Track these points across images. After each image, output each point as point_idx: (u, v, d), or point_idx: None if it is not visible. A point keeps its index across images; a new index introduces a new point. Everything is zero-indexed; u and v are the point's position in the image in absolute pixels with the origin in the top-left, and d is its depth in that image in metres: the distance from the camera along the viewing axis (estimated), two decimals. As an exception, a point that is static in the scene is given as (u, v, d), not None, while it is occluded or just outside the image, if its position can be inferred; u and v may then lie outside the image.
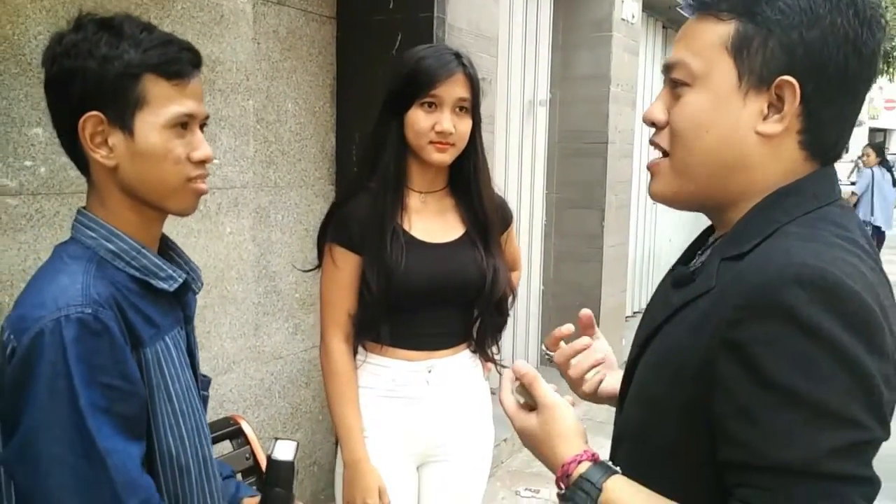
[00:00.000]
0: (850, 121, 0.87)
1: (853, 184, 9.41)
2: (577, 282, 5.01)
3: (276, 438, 1.22)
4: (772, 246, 0.80)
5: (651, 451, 0.89)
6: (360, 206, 1.68)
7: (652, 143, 0.94)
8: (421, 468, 1.81)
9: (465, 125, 1.65)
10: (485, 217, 1.75)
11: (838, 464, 0.73)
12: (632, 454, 0.94)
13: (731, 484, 0.79)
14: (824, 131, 0.85)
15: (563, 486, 0.89)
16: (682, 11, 0.92)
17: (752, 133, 0.84)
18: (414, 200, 1.71)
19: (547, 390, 0.94)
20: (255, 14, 2.78)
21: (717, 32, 0.85)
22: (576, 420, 0.94)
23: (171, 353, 1.09)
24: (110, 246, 1.04)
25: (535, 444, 0.95)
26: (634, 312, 6.92)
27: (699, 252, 0.98)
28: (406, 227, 1.68)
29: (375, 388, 1.73)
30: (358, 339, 1.73)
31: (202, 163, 1.07)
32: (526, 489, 3.53)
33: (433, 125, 1.61)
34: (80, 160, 1.06)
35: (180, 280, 1.10)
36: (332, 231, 1.71)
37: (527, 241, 4.74)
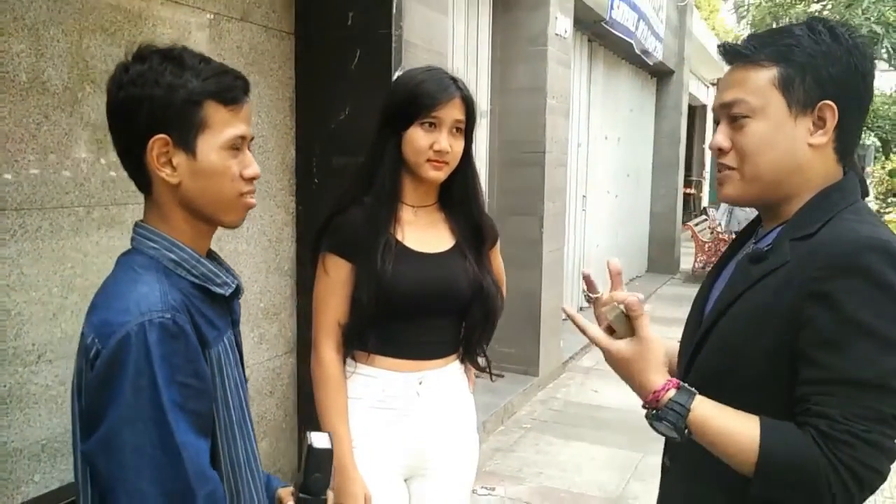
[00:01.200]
0: (861, 131, 1.20)
1: None
2: (518, 287, 5.18)
3: (309, 431, 1.30)
4: (837, 227, 1.08)
5: (727, 393, 1.10)
6: (354, 217, 1.74)
7: (721, 163, 1.20)
8: (409, 481, 1.82)
9: (460, 145, 1.74)
10: (478, 230, 1.83)
11: None
12: (707, 395, 1.12)
13: (808, 394, 1.04)
14: (848, 140, 1.16)
15: (653, 408, 1.11)
16: (724, 60, 1.19)
17: (805, 145, 1.14)
18: (407, 213, 1.77)
19: (648, 324, 1.15)
20: (220, 30, 2.83)
21: (765, 76, 1.13)
22: (663, 351, 1.15)
23: (228, 353, 1.19)
24: (172, 256, 1.13)
25: (628, 367, 1.15)
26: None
27: (752, 241, 1.25)
28: (399, 237, 1.74)
29: (365, 399, 1.75)
30: (348, 347, 1.75)
31: (252, 179, 1.17)
32: (482, 487, 3.66)
33: (431, 144, 1.68)
34: (142, 178, 1.14)
35: (234, 285, 1.20)
36: (327, 240, 1.75)
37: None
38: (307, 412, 3.31)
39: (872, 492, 1.04)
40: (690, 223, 11.04)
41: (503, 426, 4.53)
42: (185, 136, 1.09)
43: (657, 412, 1.11)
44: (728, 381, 1.14)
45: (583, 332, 1.17)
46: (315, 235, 1.81)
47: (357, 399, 1.76)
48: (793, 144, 1.13)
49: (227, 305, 1.21)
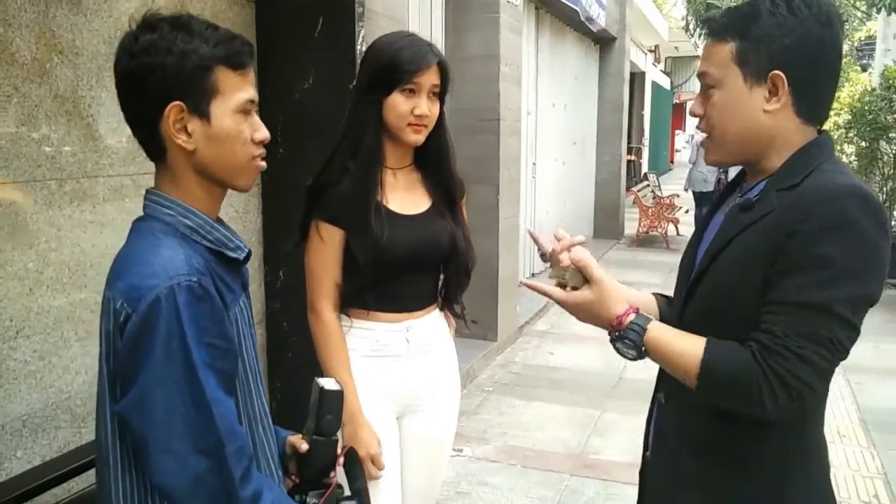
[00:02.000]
0: (828, 94, 1.28)
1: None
2: (476, 253, 5.28)
3: (316, 378, 1.36)
4: (818, 177, 1.20)
5: (721, 330, 1.22)
6: (342, 185, 1.81)
7: (698, 127, 1.34)
8: (400, 419, 1.98)
9: (436, 108, 1.84)
10: (451, 189, 1.95)
11: (843, 308, 1.13)
12: (697, 333, 1.25)
13: (764, 312, 1.17)
14: (811, 103, 1.26)
15: (616, 332, 1.25)
16: (703, 38, 1.31)
17: (761, 112, 1.25)
18: (388, 176, 1.87)
19: (598, 267, 1.28)
20: (182, -2, 2.79)
21: (725, 50, 1.26)
22: (619, 288, 1.30)
23: (243, 314, 1.23)
24: (187, 222, 1.15)
25: (590, 309, 1.27)
26: (525, 278, 7.36)
27: (738, 193, 1.36)
28: (384, 202, 1.84)
29: (360, 349, 1.87)
30: (345, 307, 1.87)
31: (262, 143, 1.20)
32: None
33: (412, 109, 1.76)
34: (155, 146, 1.15)
35: (246, 250, 1.22)
36: (318, 209, 1.83)
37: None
38: (276, 383, 3.35)
39: (802, 401, 1.16)
40: (633, 189, 11.31)
41: (465, 390, 4.65)
42: (199, 102, 1.11)
43: (619, 333, 1.25)
44: (722, 318, 1.25)
45: (547, 296, 1.30)
46: (305, 204, 1.86)
47: (353, 350, 1.87)
48: (750, 112, 1.25)
49: (238, 269, 1.24)
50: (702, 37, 1.32)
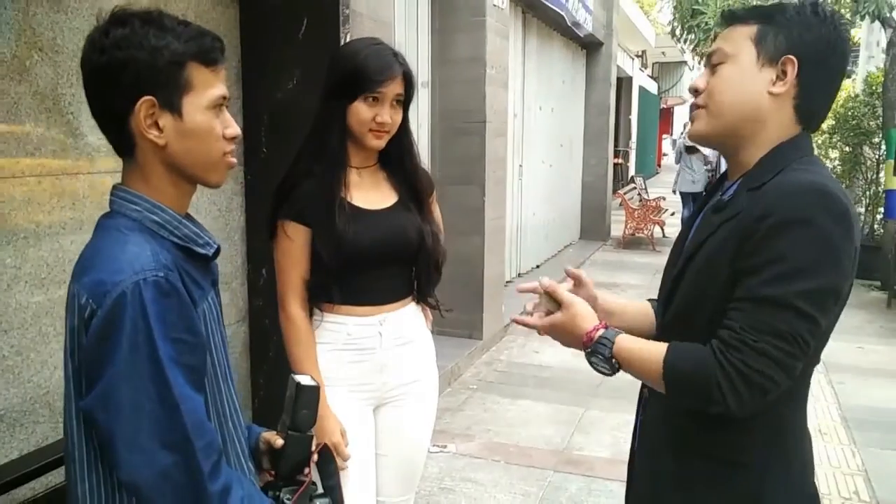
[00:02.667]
0: (827, 99, 1.30)
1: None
2: (461, 254, 5.31)
3: (292, 374, 1.35)
4: (784, 176, 1.22)
5: (695, 331, 1.25)
6: (307, 185, 1.86)
7: (694, 103, 1.35)
8: (376, 410, 2.01)
9: (399, 115, 1.89)
10: (415, 185, 1.99)
11: (799, 301, 1.15)
12: (677, 336, 1.28)
13: (728, 309, 1.19)
14: (810, 102, 1.27)
15: (588, 347, 1.30)
16: (725, 24, 1.35)
17: (765, 93, 1.26)
18: (353, 176, 1.92)
19: (566, 292, 1.36)
20: (165, -3, 2.80)
21: (746, 31, 1.29)
22: (589, 307, 1.35)
23: (212, 310, 1.22)
24: (155, 217, 1.14)
25: (563, 329, 1.34)
26: (511, 278, 7.39)
27: (720, 193, 1.38)
28: (349, 198, 1.88)
29: (333, 343, 1.90)
30: (313, 301, 1.91)
31: (233, 139, 1.20)
32: (434, 445, 3.79)
33: (374, 116, 1.82)
34: (124, 141, 1.14)
35: (215, 246, 1.22)
36: (285, 209, 1.88)
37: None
38: (259, 380, 3.35)
39: (764, 395, 1.17)
40: (620, 192, 11.37)
41: (450, 388, 4.67)
42: (171, 97, 1.11)
43: (591, 349, 1.30)
44: (694, 320, 1.28)
45: (527, 326, 1.39)
46: (272, 204, 1.91)
47: (325, 344, 1.91)
48: (755, 89, 1.26)
49: (207, 266, 1.24)
50: (692, 42, 1.32)
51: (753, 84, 1.26)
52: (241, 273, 3.34)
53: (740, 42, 1.28)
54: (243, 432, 1.31)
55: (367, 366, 1.93)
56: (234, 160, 1.22)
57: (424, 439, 2.12)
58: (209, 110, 1.15)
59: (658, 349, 1.25)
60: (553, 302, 1.36)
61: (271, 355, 3.29)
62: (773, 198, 1.18)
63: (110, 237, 1.12)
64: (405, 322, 1.99)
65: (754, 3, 6.89)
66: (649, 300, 1.58)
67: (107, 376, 1.04)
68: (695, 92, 1.34)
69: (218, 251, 1.24)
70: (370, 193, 1.92)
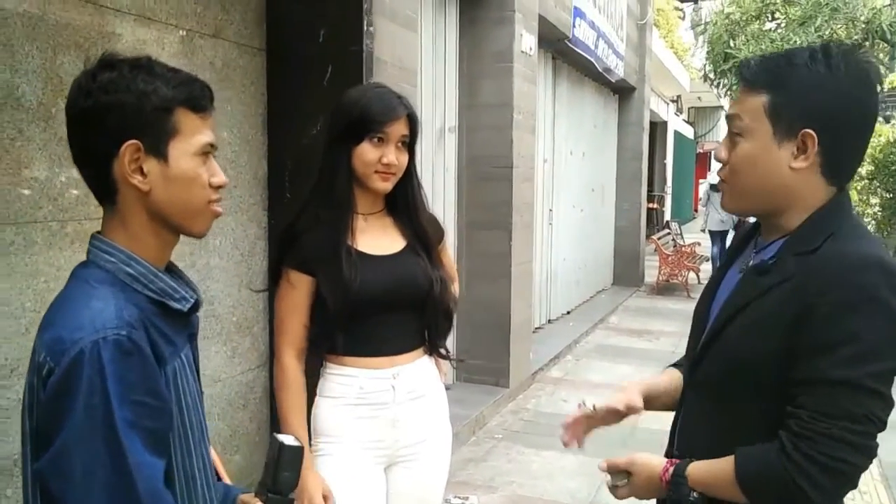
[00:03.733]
0: (857, 154, 1.27)
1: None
2: (488, 299, 5.27)
3: (274, 433, 1.31)
4: (838, 244, 1.17)
5: (732, 397, 1.24)
6: (312, 231, 1.84)
7: (720, 174, 1.32)
8: (388, 469, 1.93)
9: (404, 158, 1.87)
10: (423, 231, 1.96)
11: (873, 383, 1.11)
12: (711, 396, 1.28)
13: (793, 394, 1.15)
14: (838, 163, 1.23)
15: (670, 489, 1.27)
16: (737, 86, 1.30)
17: (787, 168, 1.22)
18: (359, 222, 1.89)
19: (621, 459, 1.37)
20: (193, 47, 2.87)
21: (758, 101, 1.23)
22: (645, 456, 1.36)
23: (185, 368, 1.16)
24: (129, 270, 1.10)
25: (644, 488, 1.33)
26: (542, 324, 7.30)
27: (752, 249, 1.35)
28: (355, 244, 1.86)
29: (344, 398, 1.84)
30: (315, 351, 1.87)
31: (219, 188, 1.16)
32: (455, 497, 3.70)
33: (380, 158, 1.81)
34: (105, 187, 1.11)
35: (192, 300, 1.16)
36: (289, 256, 1.85)
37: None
38: (277, 429, 3.31)
39: (847, 480, 1.13)
40: (654, 237, 11.25)
41: (475, 437, 4.57)
42: (157, 142, 1.09)
43: (674, 496, 1.27)
44: (733, 382, 1.24)
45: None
46: (277, 250, 1.90)
47: (336, 398, 1.86)
48: (775, 167, 1.22)
49: (185, 319, 1.20)
50: (725, 86, 1.28)
51: (774, 162, 1.22)
52: (263, 318, 3.33)
53: (755, 116, 1.23)
54: (214, 494, 1.25)
55: (379, 421, 1.86)
56: (220, 209, 1.19)
57: (437, 500, 2.04)
58: (196, 157, 1.12)
59: (726, 467, 1.20)
60: (620, 474, 1.39)
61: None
62: (836, 272, 1.14)
63: (78, 290, 1.08)
64: (419, 375, 1.93)
65: (787, 46, 6.85)
66: (673, 366, 1.56)
67: (60, 439, 0.98)
68: (719, 161, 1.31)
69: (197, 305, 1.19)
70: (378, 239, 1.90)
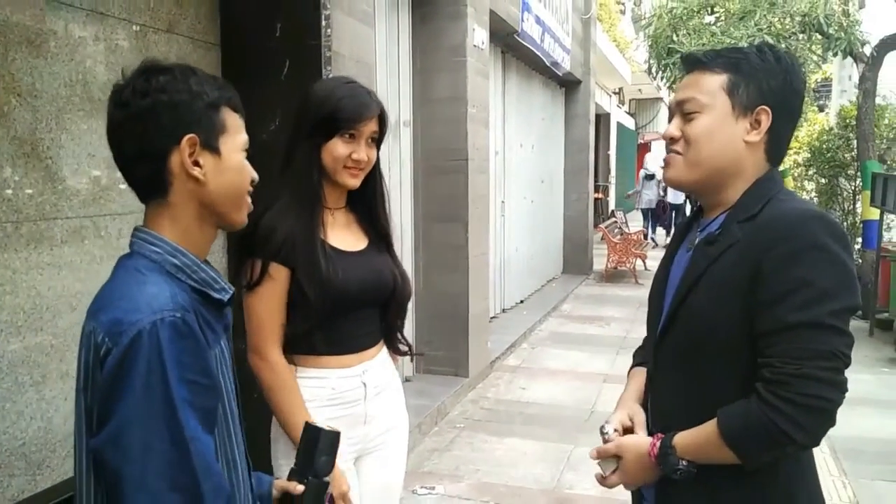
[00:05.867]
0: (790, 137, 1.39)
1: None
2: (445, 291, 5.31)
3: (307, 422, 1.36)
4: (776, 206, 1.28)
5: (703, 360, 1.31)
6: (285, 224, 1.80)
7: (670, 149, 1.40)
8: (357, 461, 1.95)
9: (374, 154, 1.88)
10: (385, 229, 1.98)
11: (832, 320, 1.19)
12: (680, 370, 1.34)
13: (760, 347, 1.22)
14: (778, 145, 1.37)
15: (659, 463, 1.32)
16: (684, 68, 1.40)
17: (741, 142, 1.34)
18: (327, 216, 1.89)
19: (610, 445, 1.42)
20: (147, 42, 2.81)
21: (717, 80, 1.34)
22: (633, 437, 1.41)
23: (224, 355, 1.22)
24: (174, 261, 1.16)
25: (635, 471, 1.38)
26: (496, 314, 7.37)
27: (697, 229, 1.43)
28: (326, 239, 1.85)
29: (315, 400, 1.81)
30: (293, 353, 1.82)
31: (252, 182, 1.26)
32: (422, 487, 3.73)
33: (350, 154, 1.81)
34: (159, 182, 1.17)
35: (231, 291, 1.24)
36: (265, 249, 1.79)
37: (398, 253, 4.96)
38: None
39: (827, 417, 1.19)
40: (602, 226, 11.46)
41: (437, 427, 4.61)
42: (210, 137, 1.17)
43: (663, 466, 1.32)
44: (701, 351, 1.31)
45: (612, 485, 1.45)
46: (244, 246, 1.81)
47: (308, 401, 1.81)
48: (731, 139, 1.33)
49: (221, 311, 1.24)
50: (668, 79, 1.36)
51: (731, 135, 1.32)
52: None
53: (714, 92, 1.33)
54: (250, 482, 1.30)
55: (350, 419, 1.86)
56: (251, 204, 1.27)
57: (400, 486, 2.08)
58: (241, 152, 1.22)
59: (711, 428, 1.26)
60: (610, 461, 1.43)
61: (255, 396, 3.22)
62: (780, 226, 1.24)
63: (129, 277, 1.14)
64: (383, 370, 1.95)
65: (727, 42, 7.05)
66: (635, 365, 1.63)
67: (118, 415, 1.04)
68: (670, 140, 1.39)
69: (233, 297, 1.25)
70: (345, 235, 1.90)
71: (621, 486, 1.45)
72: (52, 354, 2.37)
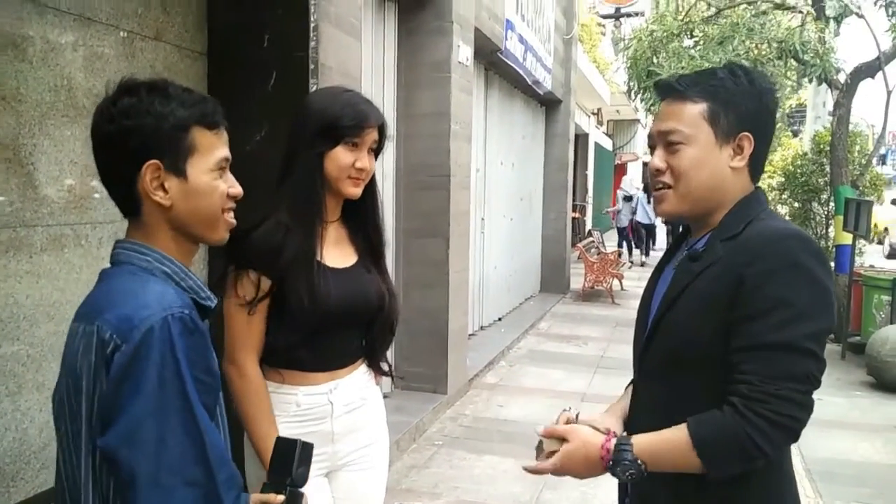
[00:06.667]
0: (766, 156, 1.42)
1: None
2: (425, 307, 5.28)
3: (278, 436, 1.35)
4: (757, 225, 1.31)
5: (682, 373, 1.32)
6: (280, 237, 1.76)
7: (658, 181, 1.41)
8: (331, 476, 1.92)
9: (374, 163, 1.88)
10: (378, 244, 1.96)
11: (807, 343, 1.22)
12: (661, 382, 1.34)
13: (735, 362, 1.24)
14: (759, 163, 1.41)
15: (608, 460, 1.29)
16: (659, 95, 1.40)
17: (727, 168, 1.37)
18: (324, 230, 1.86)
19: (561, 427, 1.37)
20: (133, 49, 2.78)
21: (696, 109, 1.36)
22: (589, 429, 1.36)
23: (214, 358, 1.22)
24: (164, 268, 1.17)
25: (576, 460, 1.33)
26: (474, 331, 7.36)
27: (685, 247, 1.45)
28: (320, 255, 1.82)
29: (280, 416, 1.80)
30: (280, 367, 1.80)
31: (234, 198, 1.25)
32: (399, 504, 3.69)
33: (353, 162, 1.80)
34: (130, 202, 1.18)
35: (216, 300, 1.25)
36: (255, 260, 1.76)
37: (380, 269, 4.94)
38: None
39: (794, 437, 1.23)
40: (580, 245, 11.52)
41: (416, 444, 4.57)
42: (176, 160, 1.16)
43: (613, 459, 1.29)
44: (680, 363, 1.32)
45: (541, 472, 1.38)
46: (230, 252, 1.76)
47: (276, 415, 1.80)
48: (718, 167, 1.36)
49: (204, 319, 1.22)
50: (647, 101, 1.39)
51: (717, 163, 1.35)
52: (203, 327, 3.24)
53: (695, 122, 1.35)
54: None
55: (317, 436, 1.79)
56: (233, 219, 1.27)
57: (381, 500, 2.05)
58: (213, 171, 1.20)
59: (678, 433, 1.25)
60: (554, 441, 1.37)
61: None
62: (758, 244, 1.26)
63: (129, 278, 1.15)
64: (357, 387, 1.92)
65: (706, 64, 7.16)
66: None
67: (132, 411, 1.04)
68: (656, 171, 1.40)
69: (217, 306, 1.26)
70: (334, 250, 1.87)
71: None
72: (29, 364, 2.31)
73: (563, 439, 1.35)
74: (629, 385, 1.62)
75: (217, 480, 1.07)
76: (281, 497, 1.30)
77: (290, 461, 1.30)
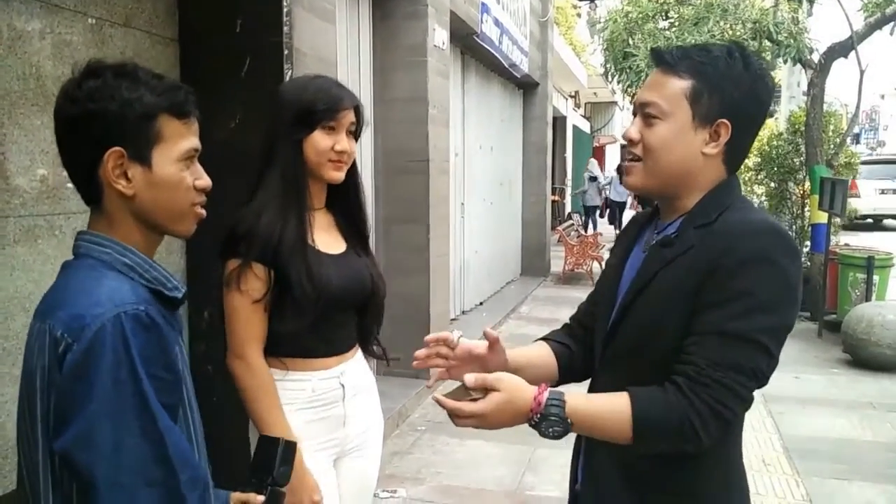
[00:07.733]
0: (749, 147, 1.38)
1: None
2: (406, 293, 5.27)
3: (262, 434, 1.34)
4: (732, 215, 1.27)
5: (647, 364, 1.28)
6: (270, 225, 1.76)
7: (629, 152, 1.36)
8: (337, 462, 1.94)
9: (354, 146, 1.87)
10: (363, 227, 1.97)
11: (762, 337, 1.19)
12: (624, 370, 1.30)
13: (687, 344, 1.22)
14: (737, 154, 1.34)
15: (537, 413, 1.20)
16: (654, 66, 1.34)
17: (699, 153, 1.31)
18: (311, 217, 1.86)
19: (487, 375, 1.22)
20: (103, 36, 2.73)
21: (680, 85, 1.30)
22: (517, 378, 1.24)
23: (182, 355, 1.18)
24: (125, 260, 1.13)
25: (502, 409, 1.21)
26: (456, 316, 7.37)
27: (654, 231, 1.41)
28: (312, 241, 1.83)
29: (294, 403, 1.81)
30: (273, 354, 1.81)
31: (203, 190, 1.20)
32: (384, 490, 3.70)
33: (332, 145, 1.81)
34: (92, 190, 1.14)
35: (183, 290, 1.20)
36: (250, 250, 1.75)
37: (359, 255, 4.92)
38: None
39: (728, 427, 1.23)
40: (559, 228, 11.56)
41: (398, 430, 4.58)
42: (141, 149, 1.12)
43: (541, 414, 1.20)
44: (647, 352, 1.30)
45: (459, 413, 1.21)
46: (226, 244, 1.79)
47: (288, 404, 1.81)
48: (689, 150, 1.30)
49: (174, 310, 1.21)
50: (623, 82, 1.33)
51: (689, 145, 1.30)
52: (183, 316, 3.21)
53: (676, 98, 1.29)
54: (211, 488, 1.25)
55: (330, 421, 1.86)
56: (203, 211, 1.22)
57: (374, 484, 2.09)
58: (180, 162, 1.15)
59: (618, 404, 1.22)
60: (480, 390, 1.22)
61: (215, 400, 3.15)
62: (732, 237, 1.23)
63: (84, 274, 1.11)
64: (359, 371, 1.95)
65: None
66: (542, 339, 1.58)
67: (86, 413, 1.00)
68: (629, 141, 1.36)
69: (185, 296, 1.21)
70: (324, 236, 1.88)
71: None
72: (5, 358, 2.28)
73: (487, 389, 1.21)
74: (538, 339, 1.59)
75: (179, 480, 1.04)
76: (261, 498, 1.29)
77: (273, 460, 1.29)
